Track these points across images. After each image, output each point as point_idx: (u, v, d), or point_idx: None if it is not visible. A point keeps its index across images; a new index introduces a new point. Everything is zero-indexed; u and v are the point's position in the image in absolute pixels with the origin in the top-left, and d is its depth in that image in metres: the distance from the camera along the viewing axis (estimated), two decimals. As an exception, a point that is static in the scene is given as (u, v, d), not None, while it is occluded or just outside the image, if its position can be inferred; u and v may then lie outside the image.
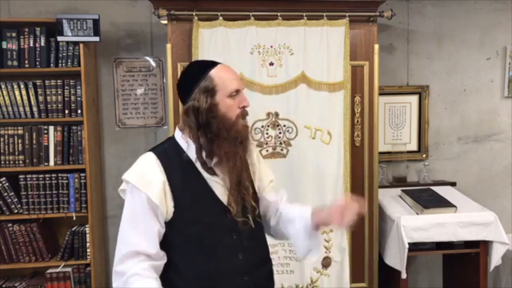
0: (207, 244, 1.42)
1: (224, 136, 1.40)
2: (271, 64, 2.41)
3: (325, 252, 2.49)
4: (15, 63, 2.67)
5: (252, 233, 1.48)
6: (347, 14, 2.44)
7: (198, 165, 1.44)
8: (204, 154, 1.43)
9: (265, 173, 1.64)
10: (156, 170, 1.41)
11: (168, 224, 1.41)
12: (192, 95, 1.42)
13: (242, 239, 1.46)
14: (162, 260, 1.41)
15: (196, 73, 1.45)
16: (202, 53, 2.36)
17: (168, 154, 1.45)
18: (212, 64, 1.47)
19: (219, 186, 1.45)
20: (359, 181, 2.58)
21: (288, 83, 2.42)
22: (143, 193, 1.37)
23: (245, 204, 1.46)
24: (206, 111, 1.39)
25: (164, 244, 1.42)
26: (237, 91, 1.44)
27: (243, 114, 1.46)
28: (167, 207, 1.40)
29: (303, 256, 1.57)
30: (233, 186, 1.44)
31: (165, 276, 1.43)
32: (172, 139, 1.51)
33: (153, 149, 1.49)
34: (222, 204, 1.45)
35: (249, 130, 1.50)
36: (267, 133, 2.44)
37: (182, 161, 1.43)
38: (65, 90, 2.73)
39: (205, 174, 1.44)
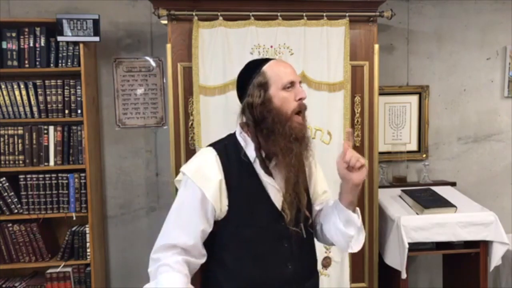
0: (257, 249, 1.41)
1: (279, 131, 1.37)
2: (271, 64, 2.40)
3: (325, 252, 2.49)
4: (15, 63, 2.67)
5: (303, 243, 1.46)
6: (347, 14, 2.44)
7: (256, 165, 1.42)
8: (263, 154, 1.42)
9: (320, 181, 1.59)
10: (214, 167, 1.39)
11: (221, 223, 1.40)
12: (248, 92, 1.42)
13: (293, 248, 1.44)
14: (200, 258, 1.40)
15: (250, 70, 1.45)
16: (202, 53, 2.36)
17: (228, 151, 1.43)
18: (266, 60, 1.47)
19: (274, 190, 1.43)
20: (359, 181, 2.57)
21: (288, 83, 2.41)
22: (198, 188, 1.37)
23: (298, 212, 1.43)
24: (260, 106, 1.38)
25: (215, 242, 1.42)
26: (292, 83, 1.41)
27: (300, 107, 1.41)
28: (221, 206, 1.39)
29: (348, 246, 1.47)
30: (289, 189, 1.41)
31: (213, 273, 1.43)
32: (232, 136, 1.49)
33: (213, 145, 1.48)
34: (276, 209, 1.42)
35: (306, 128, 1.45)
36: (267, 133, 2.44)
37: (240, 160, 1.42)
38: (65, 90, 2.73)
39: (262, 176, 1.42)
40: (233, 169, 1.41)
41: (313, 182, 1.57)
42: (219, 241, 1.42)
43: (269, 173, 1.42)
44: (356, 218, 1.43)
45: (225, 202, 1.39)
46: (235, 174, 1.40)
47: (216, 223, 1.41)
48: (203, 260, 1.41)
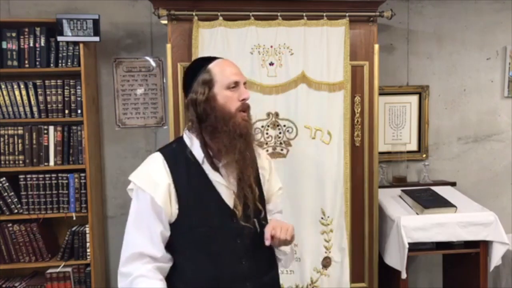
0: (210, 249, 1.41)
1: (222, 129, 1.38)
2: (271, 64, 2.41)
3: (325, 252, 2.49)
4: (15, 63, 2.67)
5: (257, 238, 1.46)
6: (347, 14, 2.44)
7: (204, 166, 1.42)
8: (211, 153, 1.43)
9: (274, 181, 1.62)
10: (162, 171, 1.40)
11: (173, 226, 1.40)
12: (192, 89, 1.43)
13: (247, 244, 1.44)
14: (168, 262, 1.41)
15: (196, 67, 1.46)
16: (202, 53, 2.36)
17: (176, 154, 1.44)
18: (213, 59, 1.48)
19: (224, 188, 1.43)
20: (359, 181, 2.58)
21: (288, 83, 2.41)
22: (148, 194, 1.37)
23: (248, 206, 1.43)
24: (204, 102, 1.39)
25: (169, 246, 1.41)
26: (236, 83, 1.42)
27: (244, 107, 1.43)
28: (172, 209, 1.39)
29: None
30: (237, 184, 1.42)
31: (168, 277, 1.42)
32: (180, 138, 1.50)
33: (161, 149, 1.49)
34: (228, 207, 1.43)
35: (251, 124, 1.46)
36: (267, 133, 2.44)
37: (188, 162, 1.42)
38: (65, 90, 2.73)
39: (211, 175, 1.42)
40: (181, 172, 1.41)
41: (267, 179, 1.59)
42: (172, 244, 1.41)
43: (216, 169, 1.43)
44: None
45: (175, 205, 1.39)
46: (184, 176, 1.40)
47: (169, 226, 1.41)
48: (171, 262, 1.42)
